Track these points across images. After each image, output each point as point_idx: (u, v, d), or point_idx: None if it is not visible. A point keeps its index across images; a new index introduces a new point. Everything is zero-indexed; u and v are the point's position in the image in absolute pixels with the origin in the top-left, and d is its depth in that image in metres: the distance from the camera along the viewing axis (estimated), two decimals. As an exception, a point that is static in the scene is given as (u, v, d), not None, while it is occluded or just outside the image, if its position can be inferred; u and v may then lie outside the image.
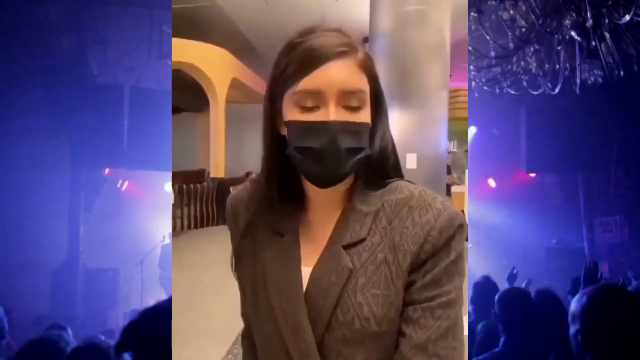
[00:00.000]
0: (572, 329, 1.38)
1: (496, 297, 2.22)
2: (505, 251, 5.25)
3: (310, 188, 0.97)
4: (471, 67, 4.76)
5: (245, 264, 1.03)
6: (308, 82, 0.86)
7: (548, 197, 5.55)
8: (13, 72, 4.18)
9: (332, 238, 0.94)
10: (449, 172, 10.49)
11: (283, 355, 0.93)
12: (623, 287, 1.47)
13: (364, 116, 0.90)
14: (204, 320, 5.09)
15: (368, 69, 0.92)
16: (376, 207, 0.93)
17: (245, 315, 1.15)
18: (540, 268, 4.95)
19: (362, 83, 0.90)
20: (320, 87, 0.86)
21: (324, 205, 0.98)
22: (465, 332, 3.03)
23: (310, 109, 0.87)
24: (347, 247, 0.91)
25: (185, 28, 10.99)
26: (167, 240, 5.97)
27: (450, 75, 6.93)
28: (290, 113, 0.89)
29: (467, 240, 1.04)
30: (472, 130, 5.69)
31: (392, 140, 1.02)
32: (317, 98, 0.87)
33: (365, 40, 6.38)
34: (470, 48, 4.65)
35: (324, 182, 0.91)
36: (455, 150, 12.18)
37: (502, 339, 2.07)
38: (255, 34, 12.53)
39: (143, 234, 5.18)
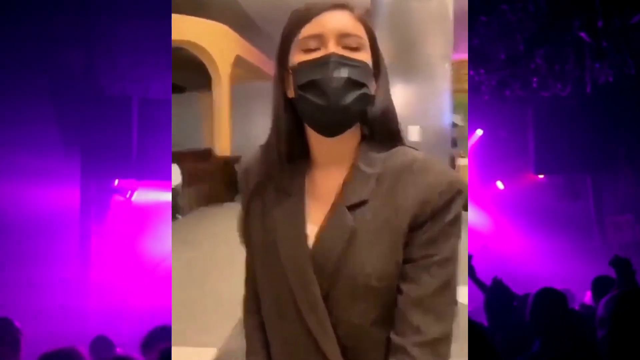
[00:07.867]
0: (600, 334, 1.40)
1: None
2: (513, 253, 5.27)
3: (316, 144, 1.02)
4: (481, 71, 4.69)
5: (254, 225, 1.08)
6: (309, 28, 0.96)
7: (558, 198, 5.52)
8: (21, 84, 4.16)
9: (337, 199, 0.99)
10: (454, 145, 10.29)
11: (292, 308, 0.99)
12: None
13: (363, 56, 0.97)
14: (210, 296, 5.17)
15: (365, 22, 1.00)
16: (380, 169, 0.98)
17: (249, 280, 1.19)
18: (550, 270, 4.95)
19: (359, 30, 0.98)
20: (320, 30, 0.95)
21: (329, 164, 1.03)
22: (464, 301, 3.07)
23: (312, 51, 0.95)
24: (350, 208, 0.97)
25: (186, 4, 10.75)
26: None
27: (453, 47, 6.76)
28: (296, 59, 0.97)
29: (465, 209, 1.08)
30: (478, 133, 5.63)
31: (392, 103, 1.05)
32: (318, 40, 0.95)
33: (367, 13, 6.23)
34: (475, 51, 4.59)
35: (327, 119, 0.94)
36: (462, 124, 11.87)
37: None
38: (258, 9, 12.30)
39: (154, 245, 5.19)
